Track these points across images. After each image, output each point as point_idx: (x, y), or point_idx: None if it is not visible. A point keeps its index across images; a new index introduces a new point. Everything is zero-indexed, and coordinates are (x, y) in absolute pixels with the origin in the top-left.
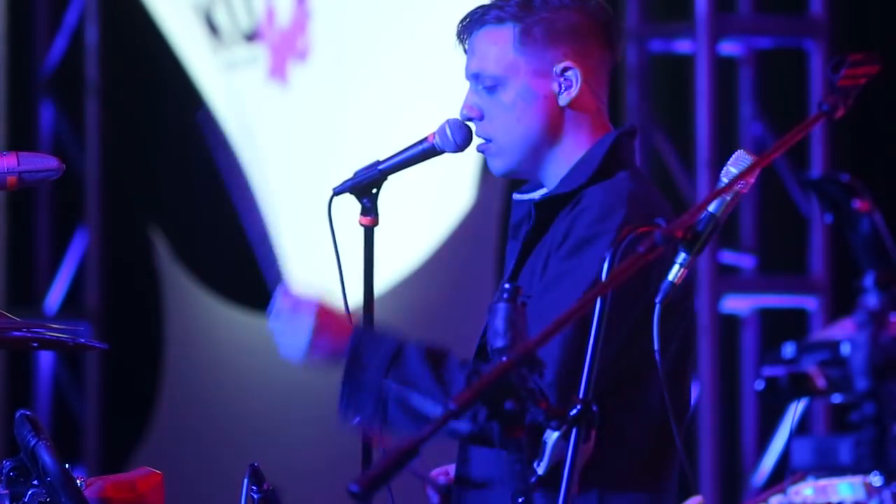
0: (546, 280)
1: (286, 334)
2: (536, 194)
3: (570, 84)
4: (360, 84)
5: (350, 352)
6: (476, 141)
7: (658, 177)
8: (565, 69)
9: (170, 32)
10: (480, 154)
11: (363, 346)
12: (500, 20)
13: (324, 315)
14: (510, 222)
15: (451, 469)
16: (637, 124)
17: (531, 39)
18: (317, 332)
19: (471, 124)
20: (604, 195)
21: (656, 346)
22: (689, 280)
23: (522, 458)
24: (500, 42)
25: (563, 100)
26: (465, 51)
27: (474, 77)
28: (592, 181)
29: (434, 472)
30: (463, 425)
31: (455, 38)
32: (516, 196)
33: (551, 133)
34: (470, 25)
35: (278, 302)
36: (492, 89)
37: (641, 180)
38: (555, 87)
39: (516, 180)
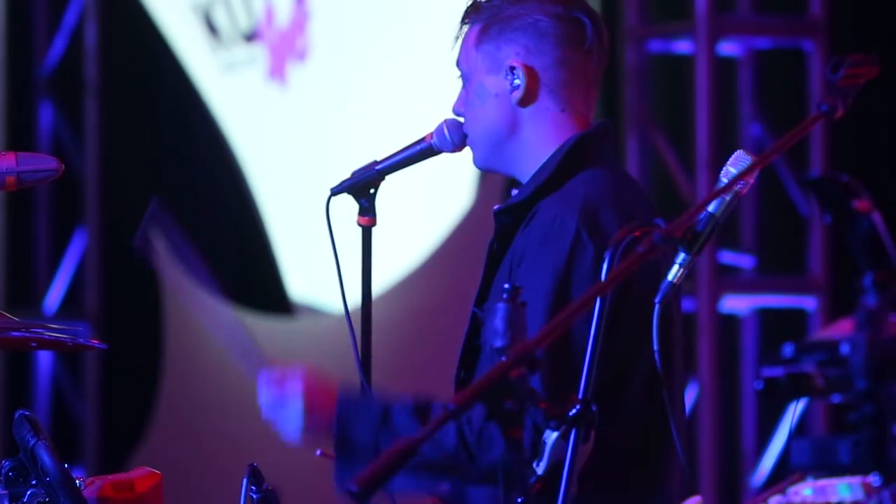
0: None
1: (281, 422)
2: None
3: (519, 83)
4: (359, 84)
5: (338, 424)
6: None
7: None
8: (512, 67)
9: (169, 33)
10: None
11: (350, 415)
12: (474, 20)
13: (310, 393)
14: None
15: None
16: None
17: (487, 38)
18: (307, 413)
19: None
20: (555, 207)
21: (655, 347)
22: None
23: (522, 459)
24: (469, 40)
25: (514, 98)
26: None
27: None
28: (546, 191)
29: None
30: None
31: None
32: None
33: (508, 130)
34: (461, 23)
35: (264, 392)
36: (465, 87)
37: (601, 182)
38: (506, 85)
39: (515, 180)
